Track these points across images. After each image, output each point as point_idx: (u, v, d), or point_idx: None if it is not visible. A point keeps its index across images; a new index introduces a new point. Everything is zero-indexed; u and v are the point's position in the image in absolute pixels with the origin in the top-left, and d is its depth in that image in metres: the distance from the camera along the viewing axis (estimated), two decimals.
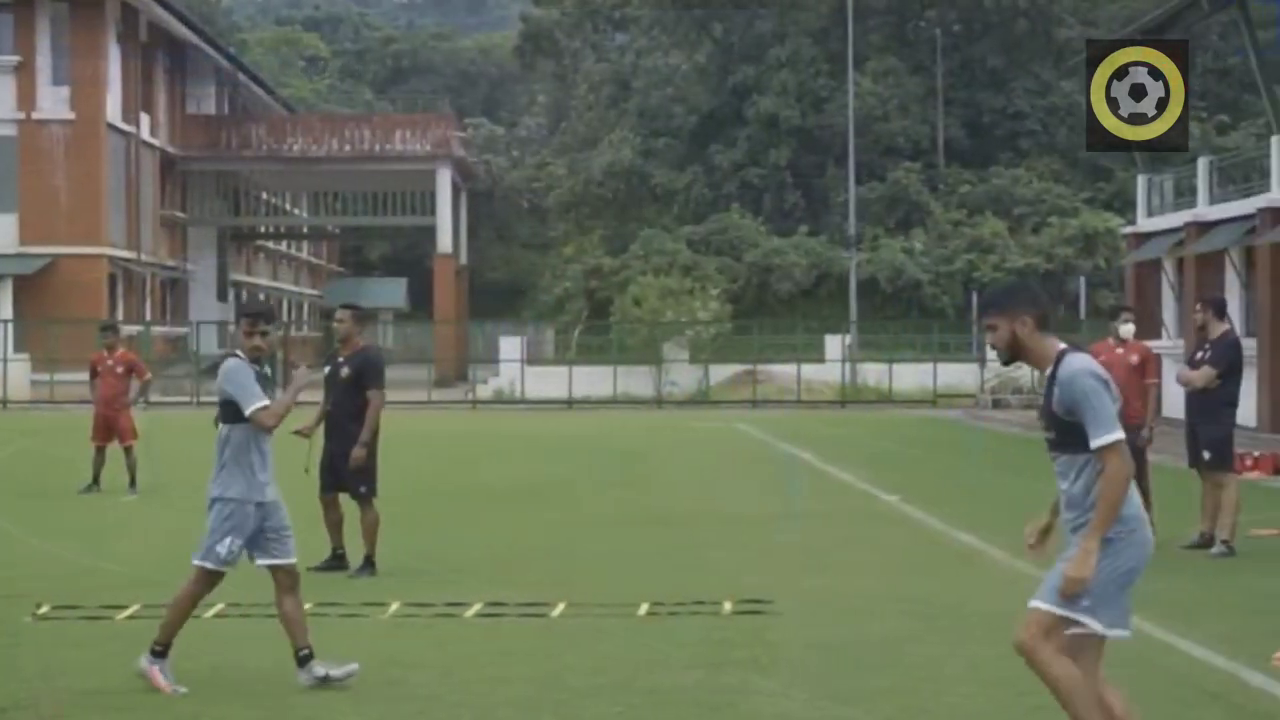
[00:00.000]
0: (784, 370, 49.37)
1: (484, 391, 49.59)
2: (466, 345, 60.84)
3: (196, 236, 65.35)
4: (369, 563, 12.95)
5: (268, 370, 8.93)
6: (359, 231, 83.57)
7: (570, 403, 45.99)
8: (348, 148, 64.59)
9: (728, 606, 11.28)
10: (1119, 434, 6.27)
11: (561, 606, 11.27)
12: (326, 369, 13.21)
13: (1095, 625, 6.25)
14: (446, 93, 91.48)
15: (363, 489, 12.99)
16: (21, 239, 52.27)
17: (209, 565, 8.71)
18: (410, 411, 42.96)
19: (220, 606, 10.72)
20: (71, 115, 52.75)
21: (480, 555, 14.28)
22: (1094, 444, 6.27)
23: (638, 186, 65.94)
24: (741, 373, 50.05)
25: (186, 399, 44.73)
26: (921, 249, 60.42)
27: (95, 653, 9.67)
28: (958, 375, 49.25)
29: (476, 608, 11.18)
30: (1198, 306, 14.29)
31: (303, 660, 8.67)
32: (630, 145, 65.09)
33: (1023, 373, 48.06)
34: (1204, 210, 35.39)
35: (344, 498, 13.22)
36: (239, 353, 8.88)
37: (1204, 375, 14.00)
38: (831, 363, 48.91)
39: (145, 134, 57.94)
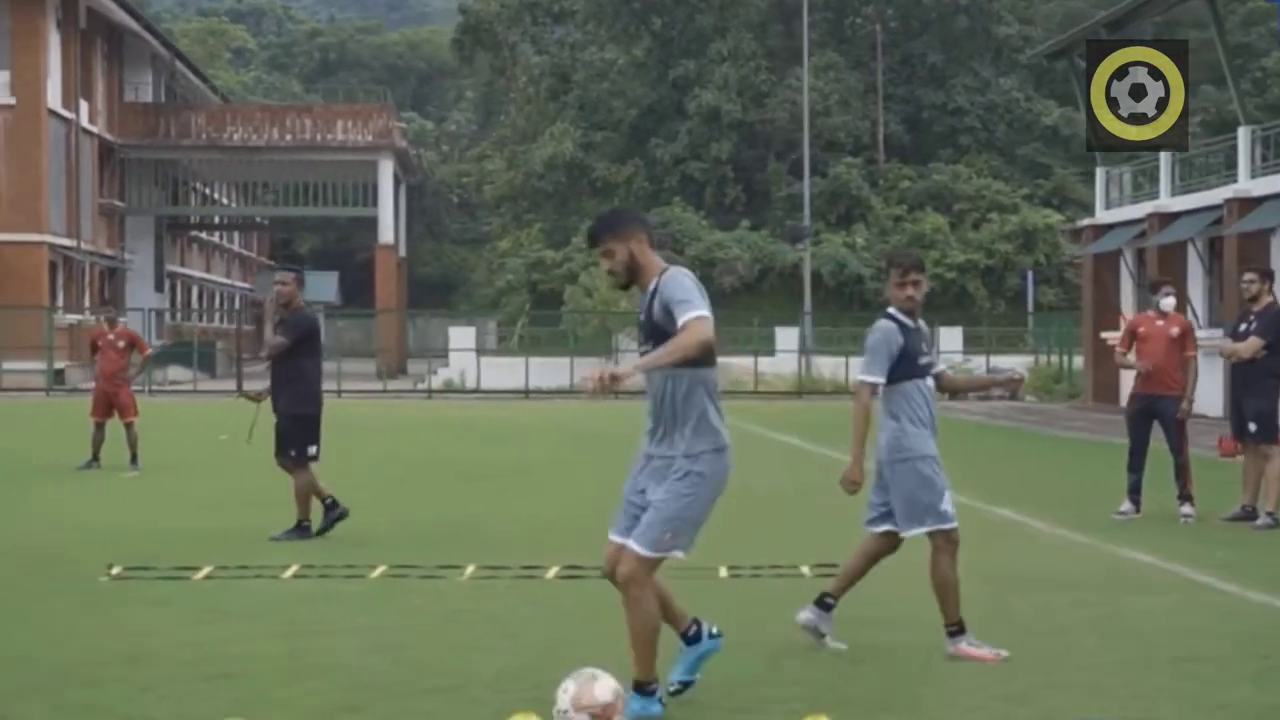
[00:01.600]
0: (738, 362, 49.39)
1: (434, 382, 49.29)
2: (408, 337, 60.47)
3: (134, 225, 64.47)
4: (301, 528, 12.80)
5: (922, 325, 8.32)
6: (288, 224, 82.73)
7: (527, 393, 45.77)
8: (289, 137, 63.88)
9: (806, 570, 11.20)
10: (704, 310, 6.52)
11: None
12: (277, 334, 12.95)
13: (680, 555, 6.76)
14: (375, 86, 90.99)
15: (292, 453, 12.84)
16: None
17: (944, 526, 8.22)
18: (369, 400, 42.77)
19: (295, 568, 10.50)
20: (12, 101, 52.00)
21: (519, 524, 14.15)
22: (682, 320, 6.50)
23: (578, 180, 65.81)
24: None
25: (137, 389, 43.90)
26: (863, 244, 60.76)
27: (189, 609, 9.47)
28: None
29: (553, 570, 11.05)
30: (1252, 276, 14.31)
31: (952, 634, 8.27)
32: (571, 138, 64.89)
33: (974, 364, 48.41)
34: (1166, 201, 35.77)
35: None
36: (891, 310, 8.33)
37: (1250, 346, 14.06)
38: (782, 355, 48.95)
39: (85, 121, 57.13)
